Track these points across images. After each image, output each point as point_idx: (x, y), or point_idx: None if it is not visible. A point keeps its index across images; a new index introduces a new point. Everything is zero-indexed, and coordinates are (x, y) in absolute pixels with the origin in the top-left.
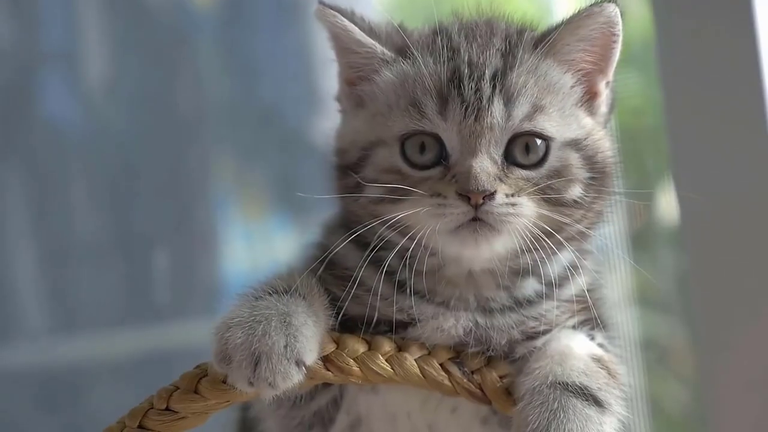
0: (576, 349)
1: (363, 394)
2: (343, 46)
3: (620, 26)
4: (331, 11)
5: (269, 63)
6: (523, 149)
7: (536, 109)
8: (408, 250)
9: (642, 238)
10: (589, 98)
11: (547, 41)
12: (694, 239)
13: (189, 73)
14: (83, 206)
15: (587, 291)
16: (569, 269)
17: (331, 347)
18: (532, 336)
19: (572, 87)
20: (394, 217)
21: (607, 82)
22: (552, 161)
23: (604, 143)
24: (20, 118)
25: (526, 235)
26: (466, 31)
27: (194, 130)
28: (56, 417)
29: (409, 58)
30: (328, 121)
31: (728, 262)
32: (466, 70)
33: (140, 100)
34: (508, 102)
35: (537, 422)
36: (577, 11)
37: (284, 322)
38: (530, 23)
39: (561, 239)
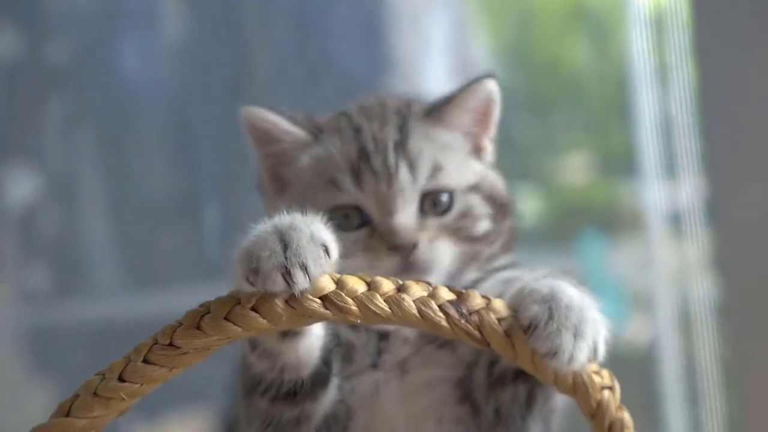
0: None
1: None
2: (270, 137)
3: (498, 94)
4: (258, 109)
5: (339, 24)
6: (432, 203)
7: (436, 168)
8: None
9: None
10: (477, 151)
11: (435, 113)
12: (725, 224)
13: (260, 34)
14: (154, 164)
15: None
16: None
17: (330, 287)
18: None
19: (461, 144)
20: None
21: (491, 138)
22: (458, 207)
23: (497, 181)
24: (96, 77)
25: (454, 267)
26: (364, 112)
27: (263, 91)
28: None
29: (322, 142)
30: (399, 84)
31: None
32: (371, 146)
33: (212, 60)
34: (412, 167)
35: (541, 292)
36: (461, 87)
37: (307, 221)
38: (416, 97)
39: (483, 259)
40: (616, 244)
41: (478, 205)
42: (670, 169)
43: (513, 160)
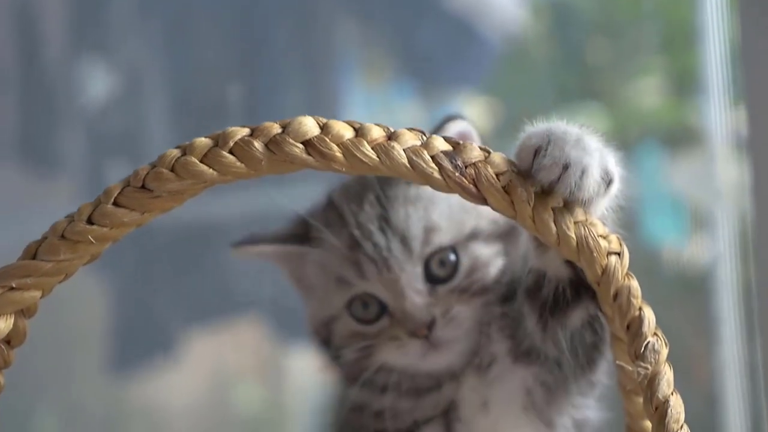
0: None
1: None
2: (272, 260)
3: (470, 126)
4: (246, 246)
5: None
6: (438, 264)
7: (428, 230)
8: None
9: None
10: None
11: None
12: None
13: None
14: (214, 68)
15: None
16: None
17: (314, 131)
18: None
19: None
20: (375, 367)
21: None
22: (464, 262)
23: None
24: None
25: (480, 326)
26: (345, 193)
27: None
28: (185, 270)
29: (317, 242)
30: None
31: None
32: (358, 233)
33: None
34: (403, 239)
35: (536, 130)
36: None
37: None
38: None
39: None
40: (678, 161)
41: (483, 249)
42: (738, 92)
43: (582, 80)
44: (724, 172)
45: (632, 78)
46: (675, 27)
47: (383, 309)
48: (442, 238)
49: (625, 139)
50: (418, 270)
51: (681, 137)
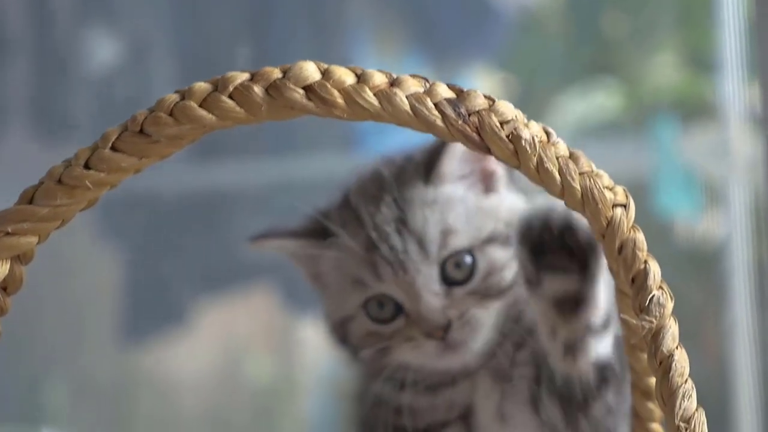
0: None
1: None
2: (290, 255)
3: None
4: (263, 240)
5: None
6: (454, 267)
7: (445, 233)
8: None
9: None
10: (486, 181)
11: (428, 171)
12: None
13: None
14: (221, 33)
15: None
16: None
17: (315, 76)
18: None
19: (465, 190)
20: (393, 365)
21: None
22: (481, 266)
23: (513, 204)
24: None
25: (498, 324)
26: (361, 192)
27: None
28: (197, 239)
29: (333, 242)
30: None
31: None
32: (374, 235)
33: None
34: (420, 241)
35: None
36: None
37: None
38: (412, 152)
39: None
40: (693, 136)
41: (500, 252)
42: (753, 68)
43: (598, 54)
44: (739, 147)
45: (648, 53)
46: (691, 2)
47: (399, 309)
48: (459, 241)
49: (640, 114)
50: (435, 272)
51: (696, 112)
